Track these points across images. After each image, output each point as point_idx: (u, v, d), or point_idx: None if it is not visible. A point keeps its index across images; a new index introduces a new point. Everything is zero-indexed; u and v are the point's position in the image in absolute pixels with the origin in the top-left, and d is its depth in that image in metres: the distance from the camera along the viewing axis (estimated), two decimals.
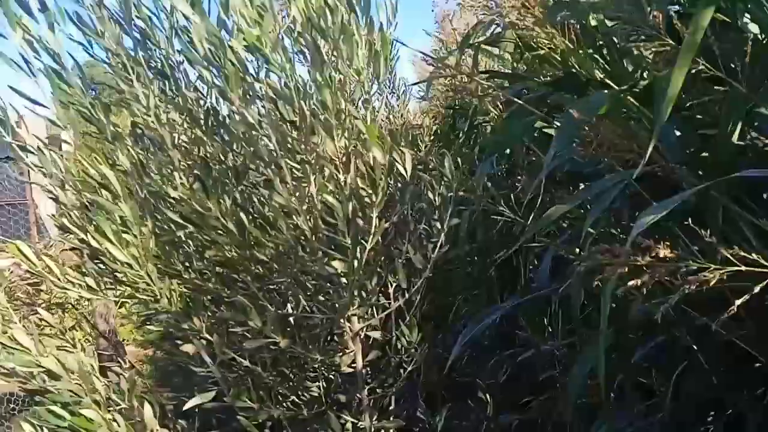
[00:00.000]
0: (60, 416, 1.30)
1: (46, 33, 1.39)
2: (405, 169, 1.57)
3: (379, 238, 1.52)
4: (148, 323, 1.50)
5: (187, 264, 1.47)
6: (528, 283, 2.11)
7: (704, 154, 1.35)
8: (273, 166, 1.21)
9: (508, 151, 2.08)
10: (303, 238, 1.25)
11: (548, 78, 1.94)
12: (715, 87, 1.22)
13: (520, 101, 1.64)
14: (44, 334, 1.75)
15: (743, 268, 0.90)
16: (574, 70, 1.72)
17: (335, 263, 1.25)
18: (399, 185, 1.67)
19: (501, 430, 1.70)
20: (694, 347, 1.39)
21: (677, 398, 1.43)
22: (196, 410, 1.71)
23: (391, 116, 3.14)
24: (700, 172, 1.23)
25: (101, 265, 1.36)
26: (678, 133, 1.36)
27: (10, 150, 1.41)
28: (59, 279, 1.31)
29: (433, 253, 1.46)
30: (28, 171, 1.48)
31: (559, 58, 1.74)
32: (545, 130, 1.79)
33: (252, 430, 1.34)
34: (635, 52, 1.48)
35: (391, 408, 1.63)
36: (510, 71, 2.37)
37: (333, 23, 1.29)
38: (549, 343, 1.90)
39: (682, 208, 1.15)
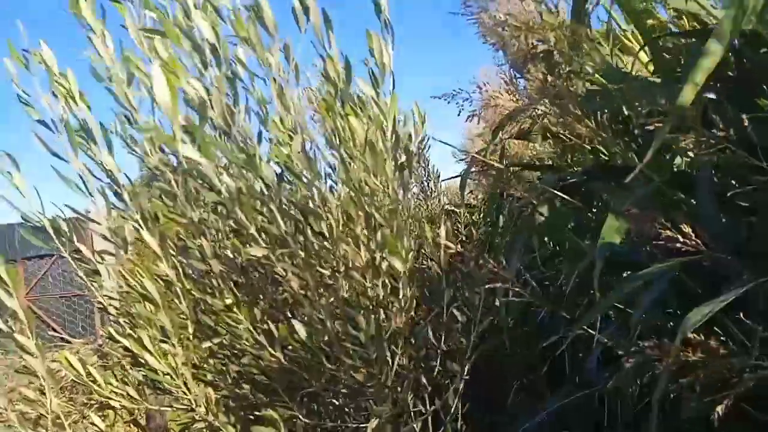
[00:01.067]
0: None
1: (105, 157, 1.52)
2: (439, 268, 1.59)
3: (411, 341, 1.53)
4: (186, 431, 1.53)
5: (222, 372, 1.51)
6: (576, 377, 2.04)
7: (751, 243, 1.31)
8: (298, 278, 1.26)
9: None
10: (329, 347, 1.27)
11: (579, 167, 1.95)
12: (756, 177, 1.20)
13: (555, 191, 1.65)
14: None
15: None
16: (606, 158, 1.73)
17: (361, 374, 1.26)
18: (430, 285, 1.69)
19: None
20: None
21: None
22: None
23: (427, 202, 3.25)
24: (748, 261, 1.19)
25: (143, 373, 1.41)
26: (723, 221, 1.34)
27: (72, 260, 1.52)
28: (102, 388, 1.37)
29: (467, 358, 1.45)
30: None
31: (589, 147, 1.76)
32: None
33: None
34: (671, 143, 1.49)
35: None
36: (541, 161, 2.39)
37: (360, 142, 1.37)
38: None
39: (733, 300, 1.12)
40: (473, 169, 2.34)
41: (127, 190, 1.54)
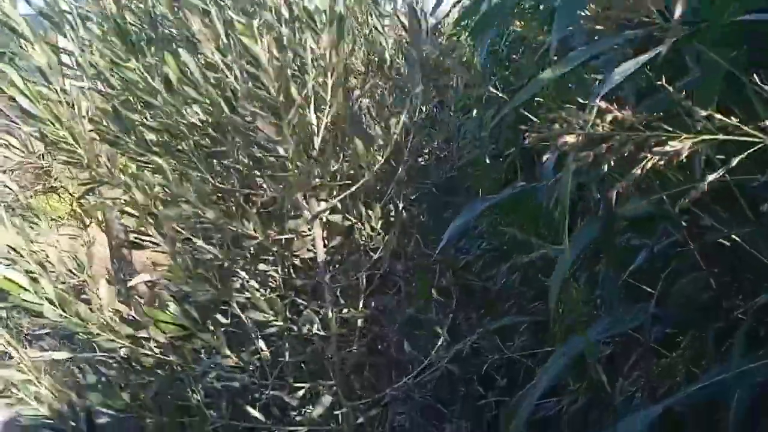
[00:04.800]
0: None
1: None
2: (383, 36, 1.39)
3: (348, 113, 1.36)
4: (89, 194, 1.41)
5: (130, 133, 1.35)
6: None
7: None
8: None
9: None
10: (233, 96, 1.09)
11: None
12: None
13: None
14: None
15: (721, 137, 0.70)
16: None
17: (270, 128, 1.10)
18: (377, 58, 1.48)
19: (469, 326, 1.59)
20: (691, 246, 1.21)
21: (667, 302, 1.27)
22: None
23: None
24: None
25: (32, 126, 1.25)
26: None
27: None
28: None
29: (396, 129, 1.29)
30: None
31: None
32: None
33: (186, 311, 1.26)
34: None
35: (358, 296, 1.53)
36: None
37: None
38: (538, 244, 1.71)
39: None
40: None
41: None
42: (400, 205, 1.59)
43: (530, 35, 1.44)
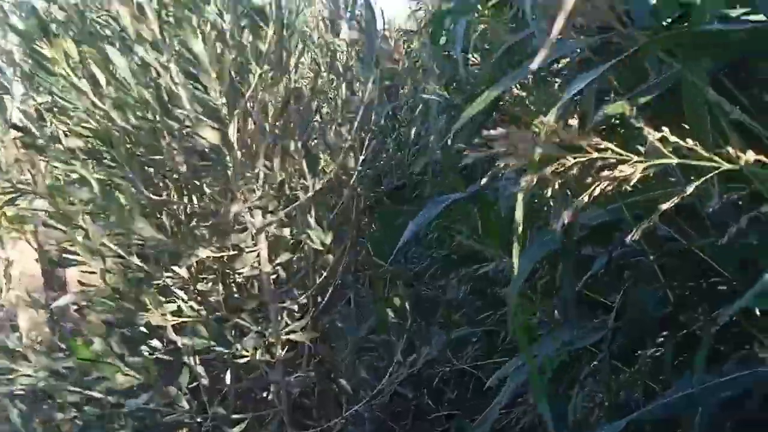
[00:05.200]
0: None
1: None
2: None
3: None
4: (13, 203, 1.25)
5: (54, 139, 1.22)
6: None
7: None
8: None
9: None
10: (169, 99, 0.99)
11: None
12: None
13: None
14: None
15: (675, 160, 0.66)
16: None
17: (211, 134, 1.00)
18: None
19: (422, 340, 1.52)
20: (650, 258, 1.19)
21: (625, 315, 1.25)
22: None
23: None
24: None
25: None
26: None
27: None
28: None
29: (350, 135, 1.22)
30: None
31: None
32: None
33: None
34: None
35: (306, 314, 1.43)
36: None
37: None
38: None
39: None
40: None
41: None
42: (352, 217, 1.52)
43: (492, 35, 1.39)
